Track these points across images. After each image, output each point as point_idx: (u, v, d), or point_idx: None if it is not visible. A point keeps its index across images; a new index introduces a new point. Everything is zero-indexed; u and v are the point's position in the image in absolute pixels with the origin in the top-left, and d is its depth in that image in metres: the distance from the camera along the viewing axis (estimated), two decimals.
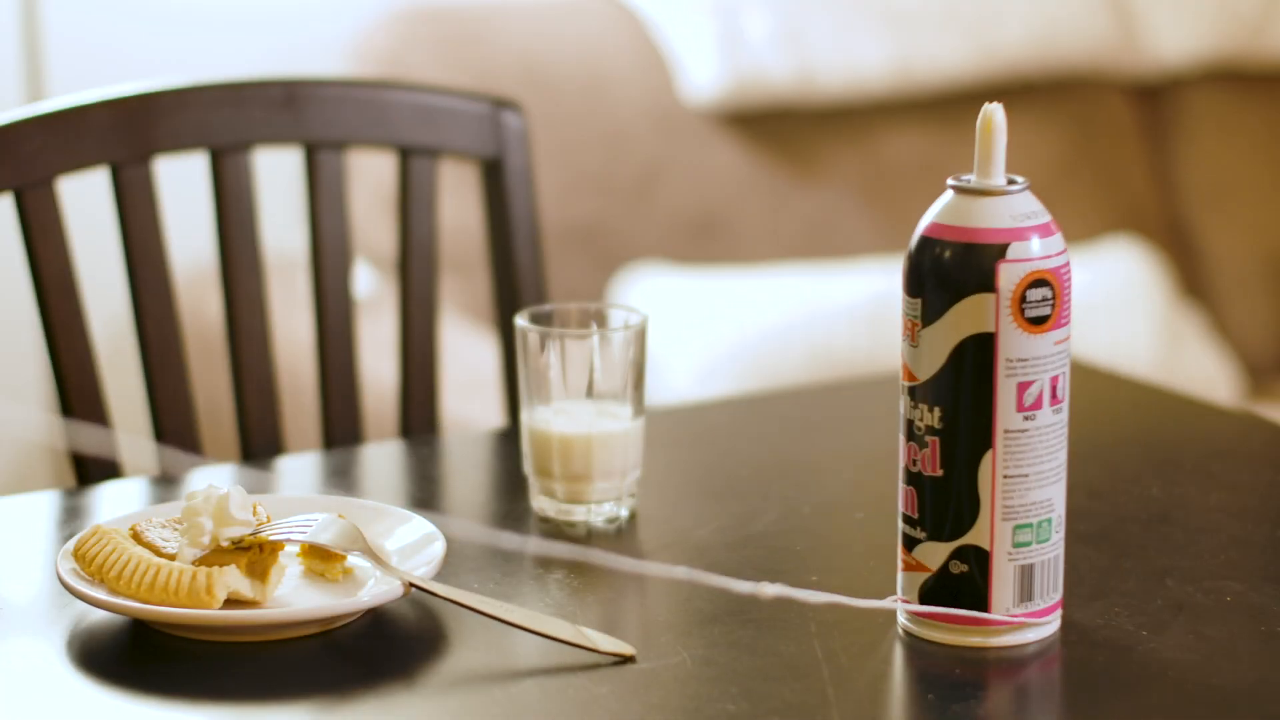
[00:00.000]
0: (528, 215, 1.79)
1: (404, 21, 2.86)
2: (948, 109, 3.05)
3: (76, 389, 1.61)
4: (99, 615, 1.25)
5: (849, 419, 1.72)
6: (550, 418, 1.43)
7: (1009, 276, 1.17)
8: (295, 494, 1.50)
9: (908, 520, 1.21)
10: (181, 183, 2.17)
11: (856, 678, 1.18)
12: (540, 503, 1.44)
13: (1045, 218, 1.20)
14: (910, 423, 1.20)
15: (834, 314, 2.79)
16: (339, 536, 1.27)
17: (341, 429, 1.73)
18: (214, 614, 1.21)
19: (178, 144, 1.67)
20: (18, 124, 1.60)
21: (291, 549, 1.29)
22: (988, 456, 1.18)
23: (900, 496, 1.22)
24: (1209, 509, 1.48)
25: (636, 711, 1.15)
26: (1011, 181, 1.20)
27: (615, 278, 2.83)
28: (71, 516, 1.48)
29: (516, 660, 1.21)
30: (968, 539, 1.19)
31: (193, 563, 1.24)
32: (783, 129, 2.97)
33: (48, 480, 2.89)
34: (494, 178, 1.79)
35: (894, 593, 1.23)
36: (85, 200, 2.08)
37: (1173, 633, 1.23)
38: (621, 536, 1.41)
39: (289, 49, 2.94)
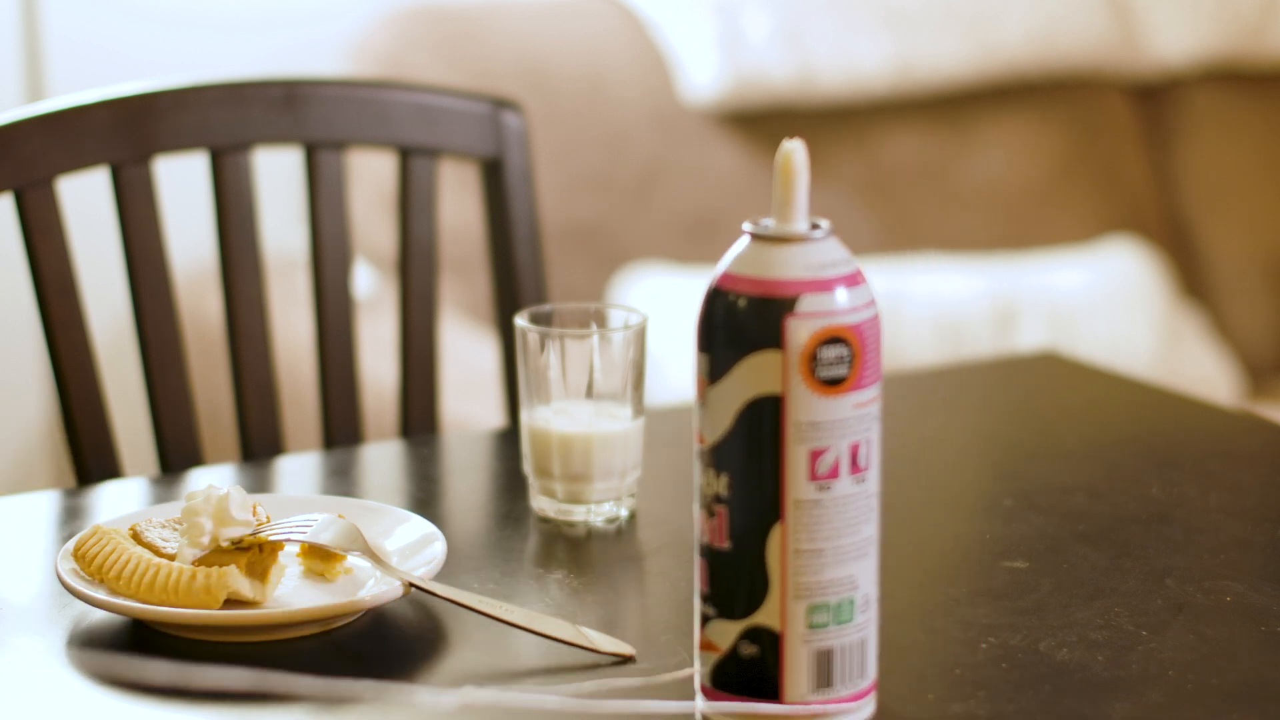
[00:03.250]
0: (528, 215, 1.79)
1: (404, 21, 2.86)
2: (948, 109, 3.05)
3: (76, 389, 1.61)
4: (99, 615, 1.25)
5: None
6: (550, 418, 1.43)
7: (798, 333, 1.06)
8: (295, 494, 1.51)
9: (702, 596, 1.10)
10: (181, 183, 2.17)
11: None
12: (540, 503, 1.44)
13: (849, 267, 1.09)
14: (700, 490, 1.09)
15: None
16: (339, 536, 1.27)
17: (341, 429, 1.73)
18: (214, 614, 1.21)
19: (178, 144, 1.67)
20: (18, 124, 1.60)
21: (291, 549, 1.29)
22: (777, 529, 1.07)
23: (695, 570, 1.12)
24: (1209, 509, 1.48)
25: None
26: (815, 227, 1.09)
27: (615, 278, 2.83)
28: (71, 516, 1.48)
29: (516, 660, 1.21)
30: (758, 619, 1.08)
31: (193, 563, 1.24)
32: (783, 129, 2.97)
33: (48, 480, 2.89)
34: (494, 178, 1.79)
35: (897, 589, 1.23)
36: (85, 200, 2.08)
37: (1173, 633, 1.23)
38: (621, 536, 1.41)
39: (289, 49, 2.94)
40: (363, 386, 1.77)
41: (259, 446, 1.70)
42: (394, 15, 2.87)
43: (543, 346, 1.42)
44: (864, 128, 3.01)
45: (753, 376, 1.06)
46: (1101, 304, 2.91)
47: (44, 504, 1.53)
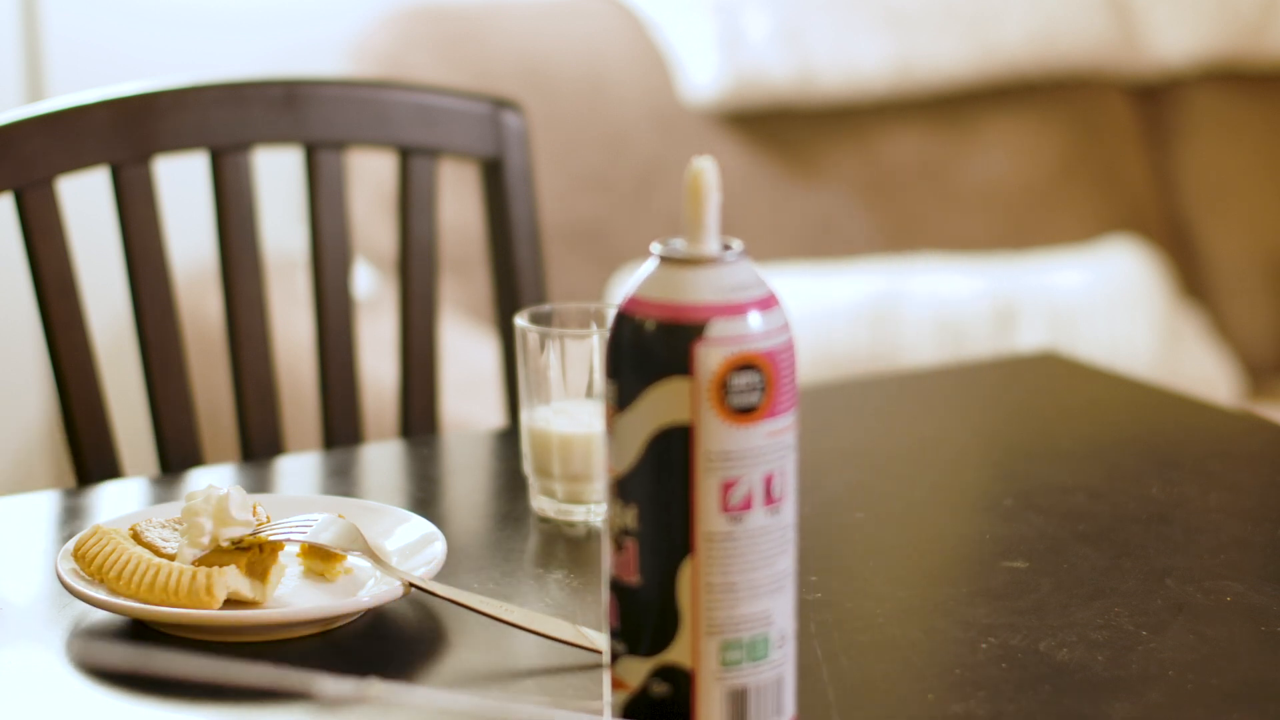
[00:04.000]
0: (528, 215, 1.79)
1: (404, 21, 2.86)
2: (948, 109, 3.05)
3: (76, 389, 1.60)
4: (99, 615, 1.25)
5: (849, 419, 1.72)
6: (550, 418, 1.43)
7: (708, 359, 1.01)
8: (295, 494, 1.51)
9: (611, 632, 1.06)
10: (181, 183, 2.17)
11: (856, 678, 1.18)
12: (540, 503, 1.44)
13: (763, 291, 1.04)
14: (608, 522, 1.05)
15: (834, 314, 2.79)
16: (339, 536, 1.27)
17: (341, 429, 1.73)
18: (214, 614, 1.21)
19: (178, 144, 1.67)
20: (18, 124, 1.60)
21: (291, 549, 1.29)
22: (688, 563, 1.03)
23: (604, 605, 1.08)
24: (1209, 509, 1.48)
25: None
26: (727, 248, 1.04)
27: (615, 278, 2.83)
28: (71, 516, 1.48)
29: (516, 660, 1.21)
30: (669, 656, 1.04)
31: (193, 563, 1.24)
32: (783, 129, 2.97)
33: (48, 480, 2.89)
34: (494, 178, 1.79)
35: (897, 589, 1.23)
36: (85, 200, 2.08)
37: (1173, 633, 1.23)
38: None
39: (289, 49, 2.94)
40: (363, 386, 1.77)
41: (259, 446, 1.70)
42: (394, 15, 2.87)
43: (543, 346, 1.42)
44: (864, 128, 3.01)
45: (661, 405, 1.02)
46: (1101, 304, 2.91)
47: (44, 504, 1.53)
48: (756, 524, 1.04)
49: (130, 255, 1.64)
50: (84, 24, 2.84)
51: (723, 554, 1.03)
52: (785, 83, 2.93)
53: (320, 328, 1.73)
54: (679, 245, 1.04)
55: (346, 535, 1.27)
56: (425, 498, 1.52)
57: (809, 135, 2.99)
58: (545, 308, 1.45)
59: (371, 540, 1.28)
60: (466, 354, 2.53)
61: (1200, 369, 2.96)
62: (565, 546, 1.40)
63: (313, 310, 1.73)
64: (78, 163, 1.63)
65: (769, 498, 1.04)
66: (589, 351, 1.43)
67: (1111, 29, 3.13)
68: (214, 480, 1.50)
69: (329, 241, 1.72)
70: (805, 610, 1.26)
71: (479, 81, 2.74)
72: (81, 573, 1.25)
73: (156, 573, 1.22)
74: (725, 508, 1.03)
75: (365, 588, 1.26)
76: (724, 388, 1.02)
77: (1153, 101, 3.23)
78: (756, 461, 1.03)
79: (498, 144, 1.78)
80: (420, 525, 1.32)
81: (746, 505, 1.03)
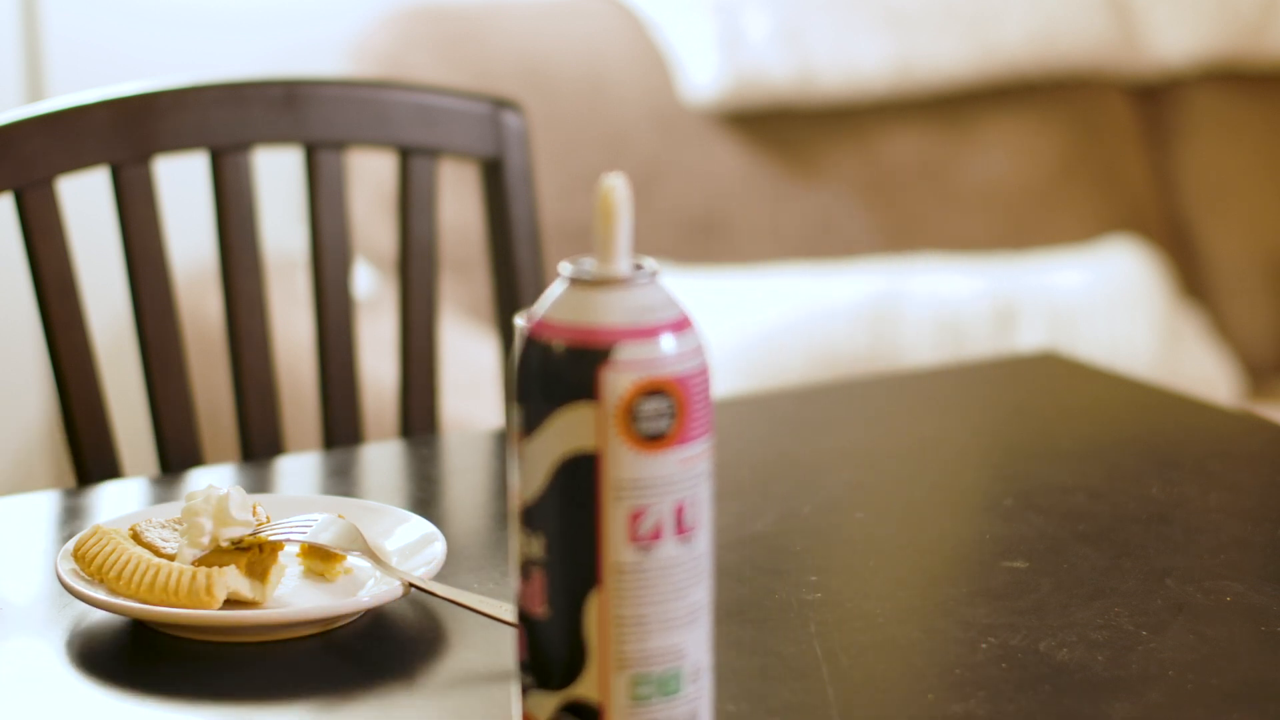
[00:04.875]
0: (528, 215, 1.79)
1: (404, 21, 2.86)
2: (948, 109, 3.05)
3: (76, 389, 1.61)
4: (99, 615, 1.25)
5: (849, 419, 1.72)
6: None
7: (614, 384, 0.98)
8: (295, 494, 1.51)
9: (520, 665, 1.03)
10: (181, 183, 2.17)
11: (856, 678, 1.18)
12: None
13: (675, 312, 1.00)
14: (517, 552, 1.02)
15: (834, 314, 2.79)
16: (339, 536, 1.27)
17: (341, 429, 1.73)
18: (214, 614, 1.21)
19: (178, 144, 1.67)
20: (18, 124, 1.60)
21: (291, 549, 1.29)
22: (596, 595, 0.99)
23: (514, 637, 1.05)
24: (1209, 509, 1.48)
25: None
26: (638, 268, 1.01)
27: None
28: (71, 516, 1.48)
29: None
30: (577, 691, 1.00)
31: (193, 563, 1.24)
32: (783, 129, 2.97)
33: (48, 480, 2.89)
34: (494, 178, 1.79)
35: (897, 589, 1.23)
36: (85, 200, 2.08)
37: (1173, 633, 1.23)
38: None
39: (289, 49, 2.94)
40: (363, 386, 1.77)
41: (259, 446, 1.70)
42: (394, 15, 2.87)
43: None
44: (864, 128, 3.01)
45: (567, 431, 0.98)
46: (1101, 304, 2.91)
47: (44, 504, 1.53)
48: (667, 555, 1.00)
49: (130, 255, 1.64)
50: (84, 24, 2.84)
51: (632, 586, 1.00)
52: (785, 83, 2.93)
53: (320, 328, 1.73)
54: (588, 265, 1.01)
55: (346, 535, 1.27)
56: (425, 498, 1.52)
57: (809, 135, 2.99)
58: None
59: (371, 540, 1.28)
60: (466, 354, 2.53)
61: (1200, 369, 2.96)
62: None
63: (313, 310, 1.73)
64: (78, 163, 1.63)
65: (680, 528, 1.00)
66: None
67: (1111, 29, 3.13)
68: (214, 480, 1.50)
69: (329, 241, 1.72)
70: (805, 610, 1.26)
71: (479, 81, 2.74)
72: (81, 573, 1.25)
73: (156, 573, 1.22)
74: (634, 538, 0.99)
75: (365, 588, 1.26)
76: (632, 414, 0.98)
77: (1153, 101, 3.23)
78: (667, 490, 0.99)
79: (498, 144, 1.78)
80: (420, 525, 1.32)
81: (656, 535, 0.99)
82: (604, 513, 0.99)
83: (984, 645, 1.22)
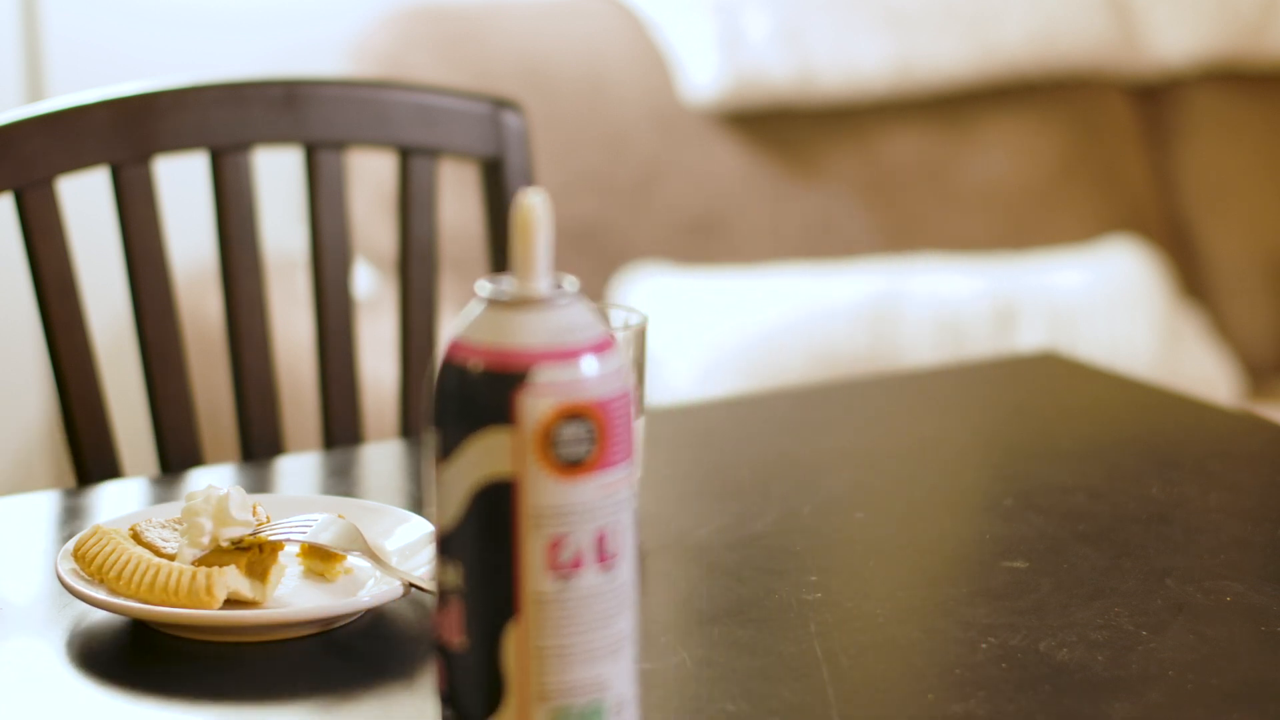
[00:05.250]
0: None
1: (404, 21, 2.86)
2: (948, 109, 3.05)
3: (76, 389, 1.60)
4: (99, 615, 1.25)
5: (849, 419, 1.72)
6: None
7: (532, 408, 0.94)
8: (295, 494, 1.51)
9: (440, 697, 1.00)
10: (181, 183, 2.17)
11: (856, 678, 1.18)
12: None
13: (597, 333, 0.97)
14: (436, 581, 0.99)
15: (834, 314, 2.79)
16: (339, 536, 1.27)
17: (341, 429, 1.73)
18: (214, 614, 1.21)
19: (178, 144, 1.67)
20: (18, 124, 1.60)
21: (291, 549, 1.29)
22: (514, 625, 0.96)
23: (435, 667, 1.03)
24: (1209, 509, 1.48)
25: None
26: (559, 288, 0.98)
27: (615, 278, 2.84)
28: (71, 516, 1.48)
29: None
30: None
31: (193, 563, 1.24)
32: (783, 129, 2.97)
33: (48, 480, 2.89)
34: (494, 178, 1.79)
35: (897, 589, 1.23)
36: (85, 200, 2.08)
37: (1173, 633, 1.23)
38: None
39: (289, 49, 2.94)
40: (363, 386, 1.77)
41: (259, 446, 1.70)
42: (394, 15, 2.87)
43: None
44: (864, 128, 3.01)
45: (483, 456, 0.95)
46: (1101, 304, 2.91)
47: (44, 504, 1.53)
48: (588, 584, 0.97)
49: (130, 255, 1.64)
50: (84, 24, 2.84)
51: (552, 616, 0.96)
52: (785, 83, 2.93)
53: (320, 328, 1.73)
54: (507, 285, 0.97)
55: (346, 535, 1.27)
56: (425, 498, 1.52)
57: (809, 135, 2.99)
58: None
59: (371, 540, 1.28)
60: None
61: (1200, 369, 2.96)
62: None
63: (313, 310, 1.73)
64: (78, 163, 1.63)
65: (602, 556, 0.97)
66: None
67: (1111, 29, 3.13)
68: (214, 480, 1.50)
69: (329, 241, 1.72)
70: (805, 610, 1.26)
71: (479, 81, 2.74)
72: (81, 573, 1.25)
73: (156, 573, 1.22)
74: (553, 567, 0.96)
75: (365, 588, 1.26)
76: (550, 439, 0.95)
77: (1153, 101, 3.23)
78: (587, 518, 0.96)
79: (498, 144, 1.78)
80: (420, 525, 1.32)
81: (577, 564, 0.96)
82: (522, 541, 0.96)
83: (984, 645, 1.22)
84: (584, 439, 0.96)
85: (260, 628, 1.21)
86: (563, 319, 0.97)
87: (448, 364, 0.97)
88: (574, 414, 0.95)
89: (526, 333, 0.96)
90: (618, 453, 0.97)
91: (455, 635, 0.98)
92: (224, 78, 1.71)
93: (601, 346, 0.97)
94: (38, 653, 1.23)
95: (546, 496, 0.95)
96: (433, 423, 0.97)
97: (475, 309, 0.97)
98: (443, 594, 0.98)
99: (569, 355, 0.96)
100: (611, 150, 2.88)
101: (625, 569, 0.99)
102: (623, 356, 0.98)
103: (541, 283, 0.97)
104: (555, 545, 0.96)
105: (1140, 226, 3.11)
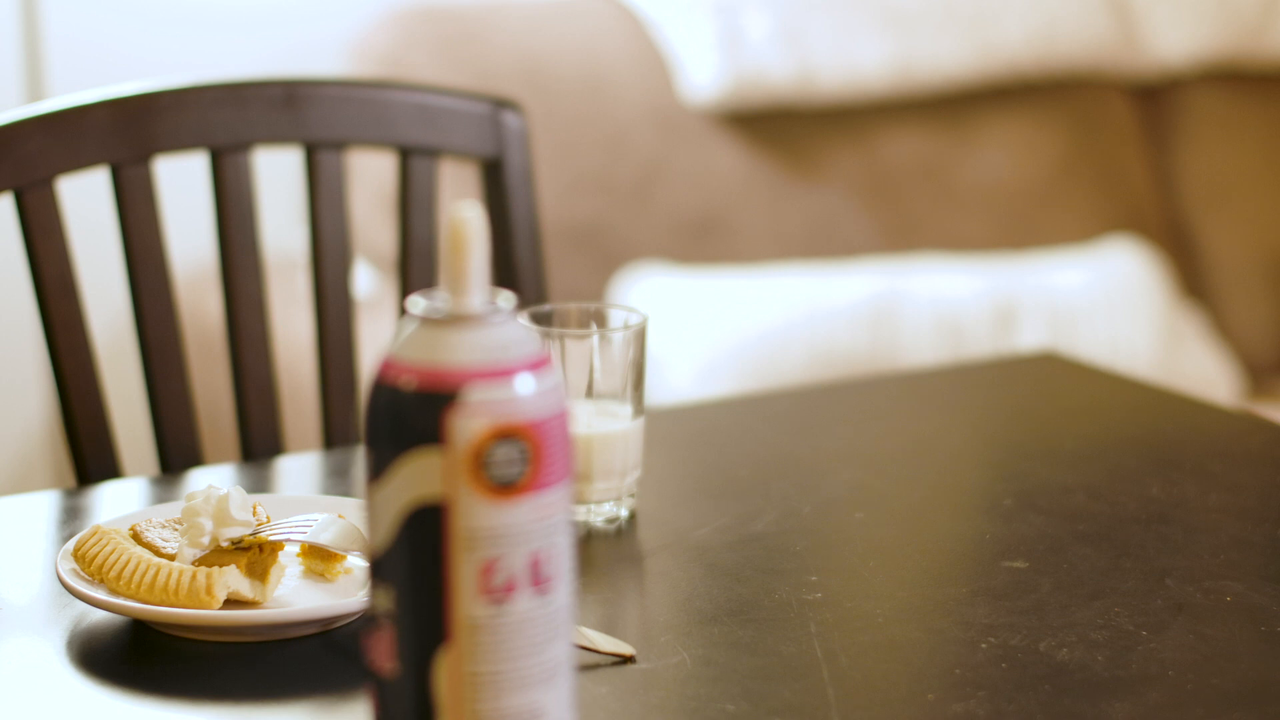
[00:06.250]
0: (528, 215, 1.79)
1: (404, 21, 2.86)
2: (948, 109, 3.05)
3: (76, 389, 1.61)
4: (99, 615, 1.25)
5: (849, 419, 1.72)
6: None
7: (463, 428, 0.92)
8: (295, 494, 1.51)
9: None
10: (181, 183, 2.17)
11: (856, 678, 1.18)
12: None
13: (531, 350, 0.94)
14: (369, 605, 0.97)
15: (834, 314, 2.79)
16: (339, 536, 1.27)
17: (341, 429, 1.73)
18: (214, 614, 1.21)
19: (178, 144, 1.67)
20: (18, 124, 1.60)
21: (291, 549, 1.29)
22: (446, 651, 0.94)
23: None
24: (1209, 509, 1.48)
25: (636, 711, 1.15)
26: (492, 304, 0.95)
27: (615, 278, 2.84)
28: (71, 516, 1.48)
29: None
30: None
31: (193, 563, 1.24)
32: (783, 129, 2.97)
33: (48, 480, 2.89)
34: (494, 178, 1.79)
35: (897, 589, 1.23)
36: (85, 200, 2.08)
37: (1173, 633, 1.23)
38: (621, 536, 1.41)
39: (289, 49, 2.94)
40: (363, 386, 1.77)
41: (259, 446, 1.70)
42: (394, 15, 2.87)
43: (543, 346, 1.42)
44: (864, 128, 3.01)
45: (414, 478, 0.92)
46: (1101, 304, 2.91)
47: (44, 504, 1.53)
48: (522, 609, 0.94)
49: (130, 255, 1.65)
50: (84, 24, 2.84)
51: (484, 642, 0.94)
52: (785, 83, 2.93)
53: (320, 328, 1.73)
54: (441, 301, 0.95)
55: (346, 535, 1.27)
56: None
57: (809, 135, 2.99)
58: (545, 308, 1.45)
59: None
60: None
61: (1200, 369, 2.96)
62: None
63: (313, 310, 1.73)
64: (78, 163, 1.63)
65: (536, 580, 0.94)
66: (589, 351, 1.43)
67: (1111, 29, 3.13)
68: (214, 480, 1.50)
69: (329, 241, 1.73)
70: (805, 610, 1.26)
71: (479, 81, 2.74)
72: (81, 573, 1.25)
73: (156, 573, 1.22)
74: (486, 591, 0.93)
75: (365, 588, 1.26)
76: (482, 460, 0.92)
77: (1153, 101, 3.23)
78: (521, 541, 0.94)
79: (498, 144, 1.78)
80: None
81: (510, 589, 0.94)
82: (453, 565, 0.93)
83: (984, 645, 1.22)
84: (517, 460, 0.93)
85: (260, 628, 1.21)
86: (497, 336, 0.94)
87: (379, 383, 0.94)
88: (507, 434, 0.93)
89: (459, 351, 0.93)
90: (553, 474, 0.94)
91: (387, 661, 0.96)
92: (224, 78, 1.71)
93: (537, 364, 0.94)
94: (38, 653, 1.23)
95: (478, 519, 0.93)
96: (364, 442, 0.95)
97: (408, 326, 0.95)
98: (374, 618, 0.96)
99: (502, 374, 0.93)
100: (611, 150, 2.88)
101: (561, 593, 0.96)
102: (559, 375, 0.95)
103: (475, 299, 0.95)
104: (488, 569, 0.93)
105: (1140, 226, 3.11)
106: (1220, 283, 3.17)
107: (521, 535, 0.94)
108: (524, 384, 0.94)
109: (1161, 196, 3.19)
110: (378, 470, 0.94)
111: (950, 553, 1.42)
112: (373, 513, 0.95)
